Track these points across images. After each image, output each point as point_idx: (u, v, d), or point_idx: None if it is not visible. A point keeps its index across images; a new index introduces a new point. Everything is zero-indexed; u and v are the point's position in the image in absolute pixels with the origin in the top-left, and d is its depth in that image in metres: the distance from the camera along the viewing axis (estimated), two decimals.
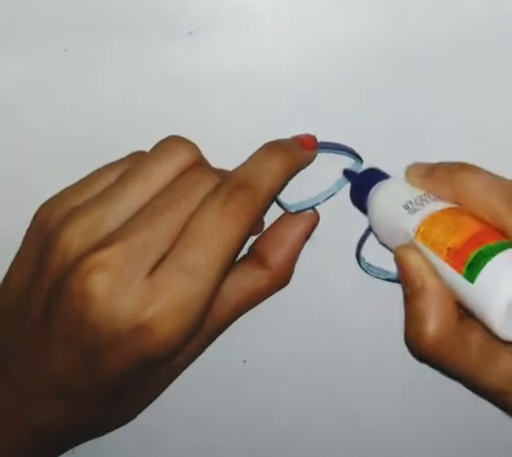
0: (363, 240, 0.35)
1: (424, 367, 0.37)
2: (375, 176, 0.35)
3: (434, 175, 0.30)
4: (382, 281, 0.38)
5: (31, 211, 0.35)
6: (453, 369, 0.29)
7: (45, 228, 0.30)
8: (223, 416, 0.40)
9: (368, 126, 0.38)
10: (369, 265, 0.37)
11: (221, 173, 0.32)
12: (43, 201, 0.34)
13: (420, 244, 0.28)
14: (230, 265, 0.29)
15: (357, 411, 0.41)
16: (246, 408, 0.40)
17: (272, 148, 0.32)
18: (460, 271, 0.26)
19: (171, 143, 0.31)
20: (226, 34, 0.38)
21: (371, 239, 0.37)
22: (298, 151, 0.32)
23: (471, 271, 0.25)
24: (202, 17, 0.38)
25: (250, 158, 0.32)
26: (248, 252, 0.36)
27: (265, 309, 0.38)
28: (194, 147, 0.31)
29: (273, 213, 0.37)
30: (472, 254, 0.26)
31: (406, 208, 0.30)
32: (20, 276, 0.29)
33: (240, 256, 0.37)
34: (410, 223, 0.29)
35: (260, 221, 0.35)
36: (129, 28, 0.38)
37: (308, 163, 0.35)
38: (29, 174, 0.39)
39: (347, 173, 0.37)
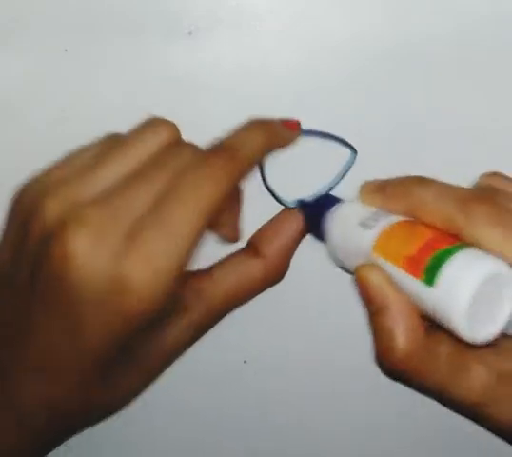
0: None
1: None
2: (328, 202, 0.34)
3: (386, 191, 0.31)
4: None
5: None
6: (425, 383, 0.29)
7: (25, 202, 0.30)
8: (223, 416, 0.40)
9: (368, 126, 0.38)
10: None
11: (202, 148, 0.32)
12: None
13: (378, 258, 0.29)
14: (207, 225, 0.29)
15: (356, 411, 0.41)
16: (247, 408, 0.40)
17: (254, 122, 0.32)
18: (419, 277, 0.26)
19: (152, 121, 0.32)
20: (226, 34, 0.38)
21: None
22: (279, 128, 0.33)
23: (430, 275, 0.26)
24: (202, 17, 0.38)
25: (232, 131, 0.32)
26: (245, 246, 0.36)
27: (266, 310, 0.38)
28: (174, 125, 0.32)
29: (273, 213, 0.37)
30: (429, 259, 0.26)
31: (362, 225, 0.30)
32: (6, 250, 0.30)
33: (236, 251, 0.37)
34: (367, 238, 0.30)
35: (236, 224, 0.35)
36: (129, 28, 0.38)
37: (290, 143, 0.35)
38: (29, 174, 0.39)
39: (300, 203, 0.36)
